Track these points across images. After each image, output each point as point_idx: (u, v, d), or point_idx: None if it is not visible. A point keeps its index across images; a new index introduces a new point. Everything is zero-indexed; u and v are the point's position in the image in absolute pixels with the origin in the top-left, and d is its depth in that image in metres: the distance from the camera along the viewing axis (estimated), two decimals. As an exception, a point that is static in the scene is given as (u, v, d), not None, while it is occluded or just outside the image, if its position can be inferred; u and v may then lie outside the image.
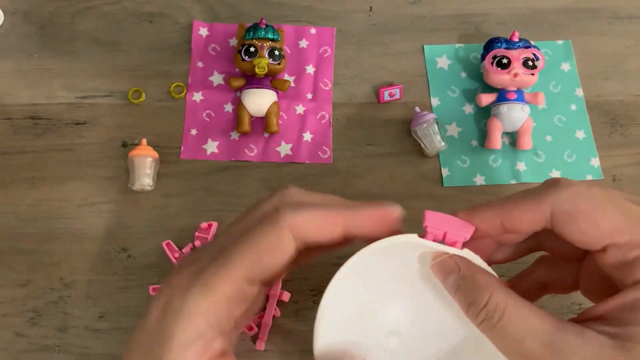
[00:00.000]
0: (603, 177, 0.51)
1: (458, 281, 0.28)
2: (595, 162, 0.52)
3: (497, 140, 0.51)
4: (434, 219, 0.29)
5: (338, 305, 0.31)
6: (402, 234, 0.29)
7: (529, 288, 0.35)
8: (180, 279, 0.26)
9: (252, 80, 0.52)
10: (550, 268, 0.35)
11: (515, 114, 0.50)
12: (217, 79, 0.54)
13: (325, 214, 0.27)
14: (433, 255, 0.29)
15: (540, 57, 0.52)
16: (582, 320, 0.27)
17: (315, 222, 0.27)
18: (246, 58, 0.50)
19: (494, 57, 0.51)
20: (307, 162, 0.52)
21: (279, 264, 0.26)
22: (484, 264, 0.29)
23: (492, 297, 0.27)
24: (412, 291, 0.33)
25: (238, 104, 0.52)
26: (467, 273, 0.28)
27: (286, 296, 0.46)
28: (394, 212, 0.28)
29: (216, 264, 0.25)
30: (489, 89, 0.53)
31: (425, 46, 0.56)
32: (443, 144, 0.51)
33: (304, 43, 0.56)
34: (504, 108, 0.51)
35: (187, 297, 0.25)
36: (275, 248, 0.26)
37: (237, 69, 0.53)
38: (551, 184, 0.28)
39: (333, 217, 0.27)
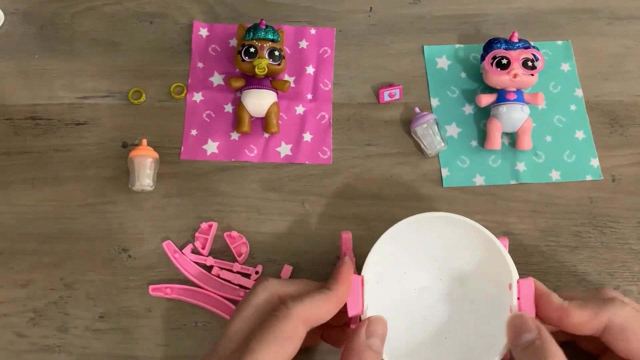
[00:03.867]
0: (602, 178, 0.51)
1: (532, 344, 0.33)
2: (595, 162, 0.52)
3: (497, 141, 0.51)
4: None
5: (379, 265, 0.39)
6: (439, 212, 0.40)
7: None
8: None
9: (252, 81, 0.52)
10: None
11: (515, 115, 0.50)
12: (217, 79, 0.54)
13: (324, 299, 0.34)
14: (513, 312, 0.36)
15: (539, 57, 0.52)
16: None
17: (318, 308, 0.34)
18: (246, 58, 0.51)
19: (494, 58, 0.51)
20: (307, 162, 0.52)
21: (295, 348, 0.33)
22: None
23: None
24: (438, 258, 0.42)
25: (238, 105, 0.52)
26: (544, 340, 0.33)
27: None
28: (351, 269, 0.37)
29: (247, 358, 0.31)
30: (489, 89, 0.53)
31: (425, 46, 0.56)
32: (443, 144, 0.51)
33: (304, 43, 0.56)
34: (504, 108, 0.51)
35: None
36: (292, 337, 0.32)
37: (237, 70, 0.53)
38: (608, 300, 0.34)
39: (329, 300, 0.35)
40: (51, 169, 0.51)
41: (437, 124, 0.51)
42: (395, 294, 0.41)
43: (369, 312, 0.37)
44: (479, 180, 0.51)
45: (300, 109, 0.53)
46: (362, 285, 0.38)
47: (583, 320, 0.33)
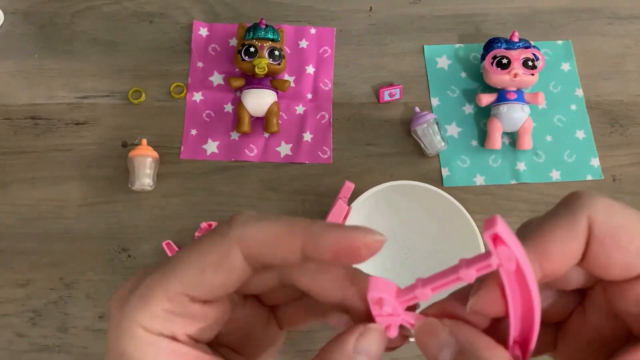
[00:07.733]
0: (603, 177, 0.51)
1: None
2: (595, 162, 0.52)
3: (497, 140, 0.51)
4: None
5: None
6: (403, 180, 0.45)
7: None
8: (123, 289, 0.22)
9: (252, 81, 0.52)
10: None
11: (515, 114, 0.50)
12: (217, 79, 0.54)
13: (282, 227, 0.22)
14: (416, 325, 0.22)
15: (540, 57, 0.52)
16: None
17: (268, 235, 0.22)
18: (246, 58, 0.50)
19: (494, 57, 0.51)
20: (307, 162, 0.51)
21: (225, 283, 0.22)
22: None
23: None
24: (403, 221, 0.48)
25: (238, 104, 0.52)
26: (466, 347, 0.21)
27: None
28: (367, 241, 0.21)
29: (155, 276, 0.22)
30: (489, 89, 0.53)
31: (425, 46, 0.56)
32: (443, 144, 0.51)
33: (304, 43, 0.56)
34: (504, 108, 0.51)
35: (125, 310, 0.22)
36: (220, 264, 0.21)
37: (237, 69, 0.53)
38: (578, 196, 0.21)
39: (291, 232, 0.22)
40: (51, 168, 0.51)
41: (437, 123, 0.51)
42: None
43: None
44: (479, 180, 0.51)
45: (300, 109, 0.53)
46: (347, 215, 0.43)
47: (561, 237, 0.20)
